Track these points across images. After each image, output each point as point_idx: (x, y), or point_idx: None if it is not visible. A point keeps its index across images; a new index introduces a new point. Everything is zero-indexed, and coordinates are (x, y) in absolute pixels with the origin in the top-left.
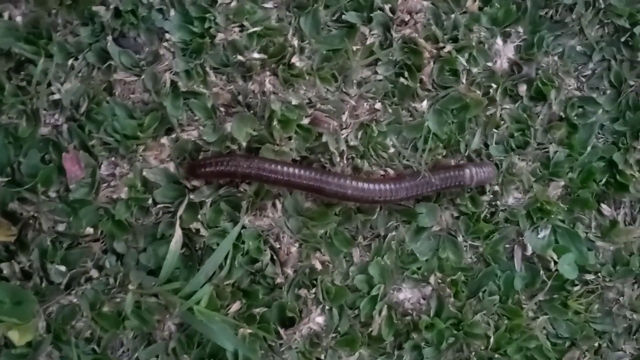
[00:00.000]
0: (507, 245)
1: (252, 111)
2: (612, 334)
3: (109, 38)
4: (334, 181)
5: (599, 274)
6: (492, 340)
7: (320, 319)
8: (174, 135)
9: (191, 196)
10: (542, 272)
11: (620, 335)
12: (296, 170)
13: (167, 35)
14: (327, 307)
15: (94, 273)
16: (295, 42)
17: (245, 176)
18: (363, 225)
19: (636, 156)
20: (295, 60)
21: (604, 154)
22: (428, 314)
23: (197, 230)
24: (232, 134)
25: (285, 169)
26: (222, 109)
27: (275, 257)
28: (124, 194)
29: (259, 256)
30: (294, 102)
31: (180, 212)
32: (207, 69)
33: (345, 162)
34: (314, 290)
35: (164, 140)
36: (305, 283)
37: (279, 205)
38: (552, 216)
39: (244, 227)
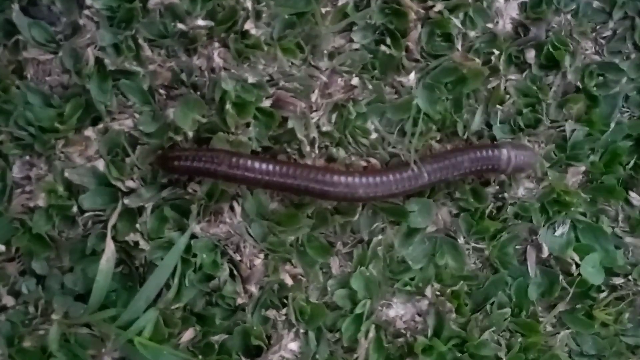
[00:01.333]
0: (518, 247)
1: (199, 92)
2: None
3: (15, 7)
4: (341, 181)
5: (630, 277)
6: None
7: (293, 345)
8: (101, 126)
9: (126, 201)
10: (561, 277)
11: None
12: (291, 170)
13: (89, 1)
14: (301, 331)
15: (9, 301)
16: (249, 5)
17: (227, 177)
18: (342, 229)
19: None
20: (249, 27)
21: (630, 130)
22: (425, 334)
23: (136, 243)
24: (176, 121)
25: (278, 168)
26: (161, 91)
27: (235, 272)
28: (42, 201)
29: (214, 272)
30: (251, 79)
31: (112, 221)
32: (141, 41)
33: (317, 152)
34: (284, 310)
35: (90, 132)
36: (274, 302)
37: (237, 209)
38: (572, 209)
39: (194, 236)
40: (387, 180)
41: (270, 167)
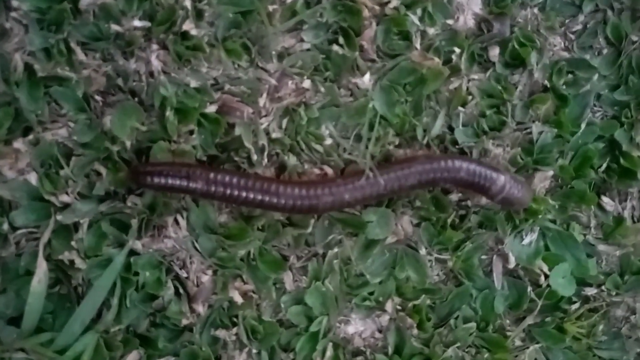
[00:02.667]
0: (483, 257)
1: (137, 99)
2: None
3: None
4: (327, 191)
5: (603, 287)
6: None
7: None
8: (33, 137)
9: (59, 217)
10: (529, 288)
11: None
12: (274, 186)
13: (15, 3)
14: (254, 351)
15: None
16: (188, 3)
17: (204, 194)
18: (296, 242)
19: None
20: (189, 27)
21: (602, 132)
22: (385, 352)
23: (72, 262)
24: (112, 130)
25: (260, 184)
26: (97, 97)
27: (181, 289)
28: None
29: (158, 291)
30: (194, 84)
31: (44, 238)
32: (73, 45)
33: (266, 160)
34: (235, 329)
35: (20, 143)
36: (224, 321)
37: (182, 222)
38: (540, 216)
39: (135, 253)
40: (373, 182)
41: (250, 183)
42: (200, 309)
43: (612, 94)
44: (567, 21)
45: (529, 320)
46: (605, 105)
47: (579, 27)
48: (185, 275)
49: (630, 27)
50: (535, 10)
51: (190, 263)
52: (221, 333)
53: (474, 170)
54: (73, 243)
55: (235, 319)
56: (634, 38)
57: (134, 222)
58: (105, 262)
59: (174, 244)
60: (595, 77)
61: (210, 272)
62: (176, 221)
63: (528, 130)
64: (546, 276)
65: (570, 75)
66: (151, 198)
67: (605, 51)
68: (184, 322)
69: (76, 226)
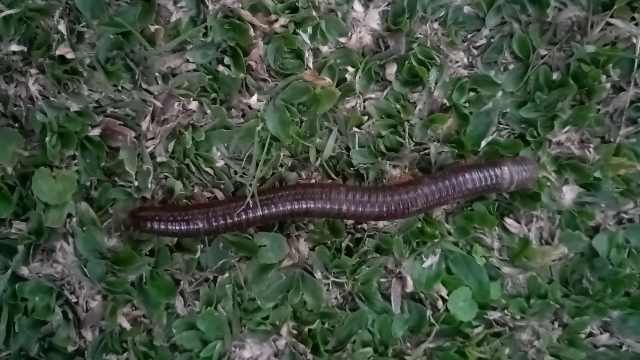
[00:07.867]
0: (382, 280)
1: (18, 124)
2: None
3: None
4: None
5: (507, 311)
6: None
7: None
8: None
9: None
10: (429, 312)
11: None
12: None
13: None
14: None
15: None
16: (63, 27)
17: (209, 233)
18: (187, 266)
19: (551, 152)
20: (64, 51)
21: (506, 151)
22: None
23: None
24: None
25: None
26: None
27: (72, 315)
28: None
29: (46, 317)
30: (74, 107)
31: None
32: None
33: (152, 184)
34: (125, 355)
35: None
36: (115, 346)
37: (68, 247)
38: (436, 240)
39: (22, 279)
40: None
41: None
42: (89, 335)
43: (518, 112)
44: (470, 36)
45: (426, 345)
46: (512, 122)
47: (484, 41)
48: (75, 300)
49: (539, 40)
50: (436, 25)
51: (79, 288)
52: (112, 358)
53: (478, 177)
54: None
55: (125, 344)
56: (542, 52)
57: (20, 248)
58: None
59: (63, 268)
60: (500, 94)
61: (100, 297)
62: (62, 246)
63: (427, 151)
64: (444, 300)
65: (472, 93)
66: (37, 223)
67: (511, 66)
68: (71, 348)
69: None
